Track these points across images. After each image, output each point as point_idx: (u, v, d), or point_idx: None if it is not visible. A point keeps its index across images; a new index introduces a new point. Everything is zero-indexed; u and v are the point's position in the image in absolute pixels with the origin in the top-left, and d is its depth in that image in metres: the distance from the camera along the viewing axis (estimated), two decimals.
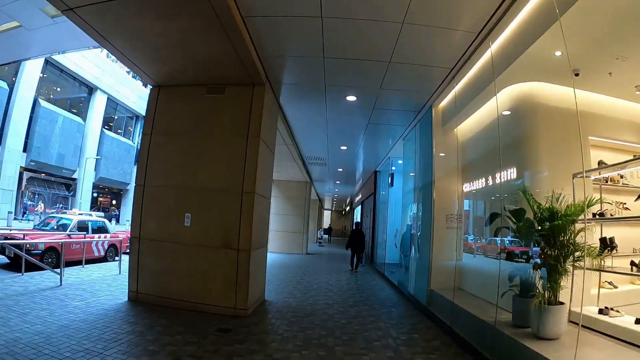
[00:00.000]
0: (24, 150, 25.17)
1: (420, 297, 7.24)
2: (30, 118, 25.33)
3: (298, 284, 9.29)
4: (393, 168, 13.05)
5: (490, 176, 6.08)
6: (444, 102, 7.24)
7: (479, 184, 6.54)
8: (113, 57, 37.96)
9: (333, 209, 50.50)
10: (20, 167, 25.10)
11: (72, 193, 30.61)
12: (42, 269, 8.06)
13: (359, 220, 22.49)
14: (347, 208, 42.90)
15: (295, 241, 18.82)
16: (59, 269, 7.55)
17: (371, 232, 15.33)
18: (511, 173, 5.41)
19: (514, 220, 4.43)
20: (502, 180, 5.22)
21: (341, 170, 15.81)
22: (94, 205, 35.38)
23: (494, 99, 5.67)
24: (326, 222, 46.88)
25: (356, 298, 7.98)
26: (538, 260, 4.35)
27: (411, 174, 10.29)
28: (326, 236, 30.15)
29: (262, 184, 6.54)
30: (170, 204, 6.32)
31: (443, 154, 7.24)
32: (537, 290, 4.03)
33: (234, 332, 5.01)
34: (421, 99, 7.16)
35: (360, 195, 22.11)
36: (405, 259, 10.00)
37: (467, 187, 6.98)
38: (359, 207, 23.31)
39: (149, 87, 6.93)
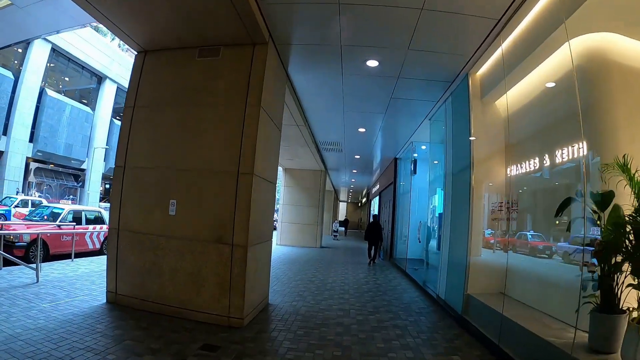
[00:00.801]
0: (31, 140, 24.77)
1: (453, 303, 6.11)
2: (37, 108, 24.90)
3: (310, 283, 8.26)
4: (415, 155, 11.87)
5: (546, 155, 4.89)
6: (483, 69, 6.05)
7: (531, 165, 5.34)
8: (124, 47, 37.82)
9: (349, 200, 49.39)
10: (27, 157, 24.70)
11: (80, 184, 30.24)
12: (24, 262, 7.20)
13: (376, 212, 21.46)
14: (364, 200, 41.73)
15: (309, 234, 17.82)
16: (35, 264, 6.68)
17: (391, 225, 14.18)
18: (580, 149, 4.21)
19: (597, 207, 3.26)
20: (574, 156, 4.04)
21: (358, 157, 14.64)
22: (107, 196, 35.07)
23: (553, 56, 4.52)
24: (341, 214, 45.76)
25: (377, 302, 6.87)
26: (594, 261, 3.21)
27: (435, 162, 9.16)
28: (342, 229, 28.91)
29: (264, 164, 5.47)
30: (154, 189, 5.33)
31: (483, 132, 6.06)
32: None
33: (223, 350, 3.97)
34: (456, 64, 5.98)
35: (378, 186, 20.93)
36: (429, 255, 8.85)
37: (513, 171, 5.79)
38: (377, 198, 22.16)
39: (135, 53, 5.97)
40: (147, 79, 5.77)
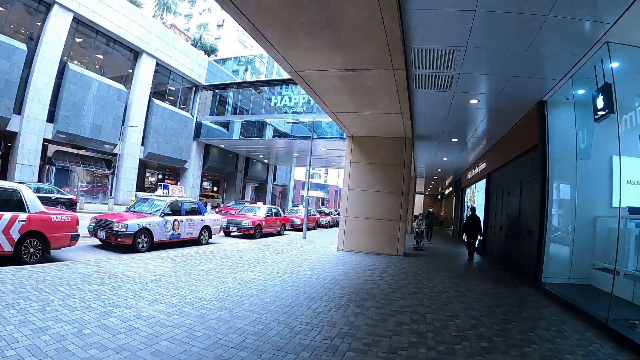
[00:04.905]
0: (50, 120, 21.85)
1: None
2: (58, 84, 21.91)
3: None
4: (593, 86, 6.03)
5: None
6: None
7: None
8: (160, 17, 35.15)
9: (426, 192, 42.89)
10: (44, 139, 21.80)
11: (112, 170, 27.17)
12: None
13: (473, 205, 15.82)
14: (447, 191, 35.13)
15: (387, 234, 12.15)
16: None
17: (539, 221, 8.12)
18: None
19: None
20: None
21: (475, 102, 8.70)
22: (151, 185, 32.22)
23: None
24: (416, 208, 39.11)
25: None
26: None
27: None
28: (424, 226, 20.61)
29: None
30: None
31: None
32: None
33: None
34: None
35: (485, 165, 14.86)
36: None
37: None
38: (481, 183, 16.08)
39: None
40: None
